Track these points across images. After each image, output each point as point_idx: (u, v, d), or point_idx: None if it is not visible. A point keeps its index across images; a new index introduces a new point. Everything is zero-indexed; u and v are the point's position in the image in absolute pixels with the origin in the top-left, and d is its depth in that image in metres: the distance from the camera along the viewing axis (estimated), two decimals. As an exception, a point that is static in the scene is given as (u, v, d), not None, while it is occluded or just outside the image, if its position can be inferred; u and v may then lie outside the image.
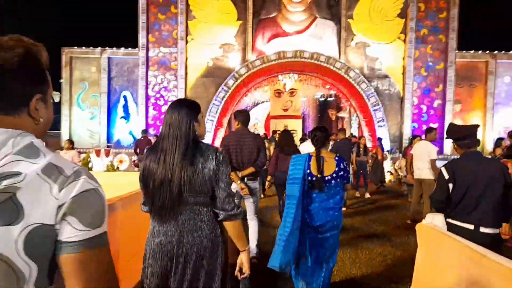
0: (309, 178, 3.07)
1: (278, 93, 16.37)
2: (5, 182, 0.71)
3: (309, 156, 3.16)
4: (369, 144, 12.95)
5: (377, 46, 13.00)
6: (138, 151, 10.59)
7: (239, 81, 12.75)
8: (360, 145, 8.97)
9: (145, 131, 11.10)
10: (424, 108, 13.02)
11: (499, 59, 12.76)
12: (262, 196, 8.66)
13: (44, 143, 0.86)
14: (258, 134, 4.68)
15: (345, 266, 4.24)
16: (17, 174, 0.73)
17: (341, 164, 3.09)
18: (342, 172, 3.08)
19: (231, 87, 12.78)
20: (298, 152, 6.35)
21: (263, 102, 23.11)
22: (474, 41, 14.60)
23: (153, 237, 1.76)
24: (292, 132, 15.49)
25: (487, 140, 12.64)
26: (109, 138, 13.34)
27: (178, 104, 1.81)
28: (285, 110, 16.35)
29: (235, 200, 1.93)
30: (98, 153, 12.62)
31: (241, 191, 3.90)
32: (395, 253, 4.75)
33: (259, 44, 13.00)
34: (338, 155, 3.23)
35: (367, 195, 8.80)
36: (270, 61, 12.68)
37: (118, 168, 12.40)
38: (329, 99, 23.90)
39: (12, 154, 0.74)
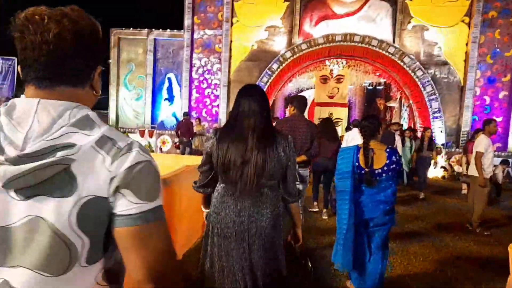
0: (358, 171, 2.94)
1: (324, 79, 15.64)
2: (60, 154, 0.70)
3: (358, 148, 3.01)
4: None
5: (436, 30, 11.89)
6: (179, 133, 10.57)
7: (284, 65, 12.27)
8: (424, 138, 7.98)
9: (186, 114, 11.04)
10: (488, 99, 11.79)
11: None
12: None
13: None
14: (313, 122, 4.42)
15: (395, 271, 3.79)
16: (72, 145, 0.72)
17: (393, 157, 2.91)
18: (394, 165, 2.90)
19: (275, 71, 12.33)
20: (338, 139, 6.32)
21: (307, 89, 22.50)
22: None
23: (225, 216, 1.85)
24: (337, 120, 14.86)
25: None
26: (153, 119, 13.49)
27: (252, 90, 1.92)
28: (331, 97, 15.62)
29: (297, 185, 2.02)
30: (142, 133, 12.82)
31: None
32: (453, 261, 4.19)
33: (306, 27, 12.37)
34: (389, 146, 3.03)
35: (422, 195, 7.62)
36: (317, 45, 12.04)
37: (160, 149, 12.53)
38: (378, 87, 22.69)
39: (68, 125, 0.73)
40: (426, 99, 11.70)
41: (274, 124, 3.11)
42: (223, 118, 12.79)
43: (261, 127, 1.81)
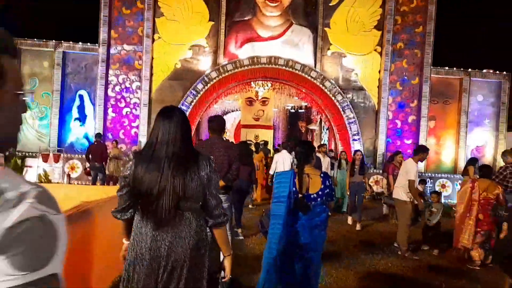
0: (295, 196, 2.96)
1: (250, 102, 15.66)
2: None
3: (294, 173, 3.03)
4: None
5: (353, 57, 12.61)
6: (90, 157, 9.40)
7: (209, 85, 11.87)
8: (355, 162, 7.39)
9: (99, 135, 9.92)
10: (399, 123, 12.71)
11: (473, 76, 12.72)
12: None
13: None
14: (232, 143, 4.20)
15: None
16: None
17: (327, 181, 3.01)
18: (328, 190, 2.99)
19: (200, 91, 11.86)
20: (253, 163, 6.80)
21: (233, 111, 22.41)
22: (449, 57, 14.63)
23: (142, 243, 1.78)
24: (263, 142, 14.79)
25: (460, 158, 12.47)
26: (60, 141, 11.94)
27: (171, 111, 1.88)
28: (257, 119, 15.65)
29: (222, 207, 1.97)
30: (46, 158, 11.22)
31: None
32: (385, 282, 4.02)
33: (231, 48, 12.22)
34: (323, 171, 3.17)
35: (358, 227, 7.08)
36: (243, 66, 11.91)
37: (68, 175, 11.05)
38: (299, 110, 23.54)
39: None
40: (346, 122, 12.20)
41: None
42: (143, 140, 11.82)
43: (181, 154, 1.79)
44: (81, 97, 12.10)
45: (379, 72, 12.60)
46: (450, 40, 16.78)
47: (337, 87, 12.23)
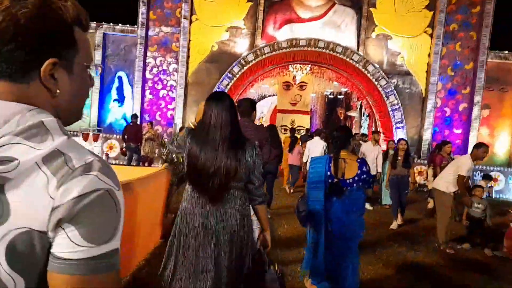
0: (330, 181, 2.97)
1: (287, 86, 15.17)
2: None
3: (329, 157, 3.04)
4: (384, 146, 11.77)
5: (400, 40, 11.76)
6: (126, 137, 9.47)
7: (245, 68, 11.56)
8: (398, 152, 6.39)
9: (135, 116, 9.94)
10: (448, 111, 11.79)
11: (535, 62, 11.48)
12: None
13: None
14: (262, 125, 4.04)
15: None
16: (10, 160, 0.56)
17: (364, 167, 2.96)
18: (364, 176, 2.95)
19: (236, 74, 11.60)
20: (281, 146, 6.53)
21: (269, 96, 22.05)
22: (509, 40, 13.26)
23: (194, 218, 1.96)
24: (299, 128, 14.36)
25: (516, 151, 11.41)
26: (100, 121, 12.22)
27: (223, 96, 2.08)
28: (293, 104, 15.16)
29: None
30: (86, 137, 11.50)
31: None
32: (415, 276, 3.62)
33: (270, 30, 11.78)
34: (361, 157, 3.24)
35: (400, 221, 6.21)
36: (281, 49, 11.47)
37: (106, 154, 11.30)
38: (339, 96, 22.75)
39: (12, 134, 0.57)
40: (389, 109, 11.48)
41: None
42: (178, 122, 11.81)
43: (232, 137, 1.95)
44: (120, 78, 12.24)
45: (429, 55, 11.68)
46: (509, 22, 15.24)
47: (381, 72, 11.49)
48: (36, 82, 0.63)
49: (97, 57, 11.97)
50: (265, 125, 20.36)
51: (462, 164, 5.03)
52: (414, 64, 11.77)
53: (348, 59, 11.41)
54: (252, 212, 2.88)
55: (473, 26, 11.49)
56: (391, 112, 11.48)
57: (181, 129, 11.00)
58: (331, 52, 11.41)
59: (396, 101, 11.49)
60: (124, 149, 9.70)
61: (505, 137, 11.90)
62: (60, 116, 0.66)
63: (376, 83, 11.45)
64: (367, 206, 7.27)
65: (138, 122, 10.21)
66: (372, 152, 7.36)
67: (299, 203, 3.14)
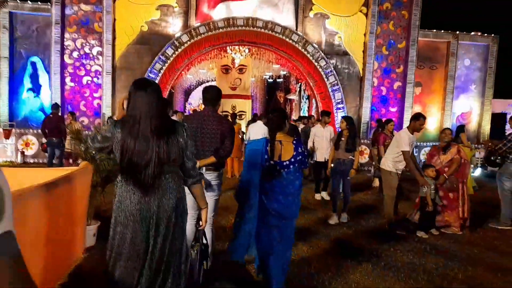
0: (267, 163, 2.97)
1: (226, 69, 14.52)
2: None
3: (266, 140, 3.04)
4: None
5: (337, 19, 11.65)
6: (46, 131, 8.22)
7: (180, 50, 10.68)
8: (342, 132, 5.55)
9: (57, 106, 8.66)
10: (384, 90, 12.04)
11: (461, 40, 12.10)
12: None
13: None
14: (226, 117, 3.95)
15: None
16: None
17: (299, 148, 3.00)
18: (300, 157, 2.99)
19: (170, 57, 10.67)
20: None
21: (208, 81, 21.18)
22: (438, 19, 13.88)
23: (131, 206, 1.99)
24: (241, 113, 13.86)
25: (445, 125, 12.02)
26: (12, 114, 10.60)
27: (148, 83, 2.06)
28: (233, 88, 14.57)
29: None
30: (7, 134, 9.91)
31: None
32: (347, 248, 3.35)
33: (204, 8, 10.98)
34: (296, 138, 3.19)
35: (344, 218, 5.48)
36: (217, 28, 10.75)
37: (22, 153, 9.83)
38: (278, 80, 22.64)
39: None
40: (330, 90, 11.40)
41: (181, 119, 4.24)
42: (107, 112, 10.65)
43: (161, 123, 2.00)
44: (33, 64, 10.67)
45: (365, 35, 11.74)
46: (438, 1, 16.01)
47: (320, 52, 11.33)
48: None
49: (3, 40, 10.29)
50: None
51: (401, 139, 4.95)
52: (351, 44, 11.77)
53: (287, 39, 11.05)
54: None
55: (405, 5, 11.74)
56: (331, 93, 11.42)
57: (109, 119, 9.96)
58: (270, 32, 10.95)
59: (335, 82, 11.44)
60: (45, 144, 8.42)
61: (435, 113, 12.51)
62: None
63: (316, 63, 11.27)
64: (324, 195, 6.98)
65: (60, 113, 8.92)
66: (324, 135, 6.96)
67: (238, 188, 3.17)
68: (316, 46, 11.32)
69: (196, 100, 24.15)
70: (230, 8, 10.92)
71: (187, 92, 23.22)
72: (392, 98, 12.07)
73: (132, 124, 1.97)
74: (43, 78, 10.74)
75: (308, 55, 11.21)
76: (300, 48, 11.16)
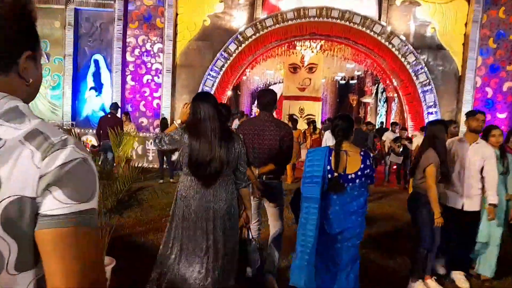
0: (330, 176, 2.67)
1: (294, 68, 13.20)
2: None
3: (329, 149, 2.74)
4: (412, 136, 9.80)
5: (430, 6, 9.68)
6: (102, 133, 7.58)
7: (244, 45, 9.60)
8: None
9: (116, 106, 7.99)
10: (490, 91, 9.73)
11: None
12: None
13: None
14: (284, 122, 3.65)
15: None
16: None
17: (367, 161, 2.68)
18: (368, 170, 2.66)
19: (233, 53, 9.65)
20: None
21: (275, 83, 20.11)
22: None
23: (191, 199, 2.30)
24: (309, 116, 12.40)
25: None
26: (75, 114, 10.41)
27: (207, 95, 2.51)
28: (302, 89, 13.20)
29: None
30: None
31: (256, 191, 3.06)
32: None
33: (272, -2, 9.78)
34: (364, 149, 2.79)
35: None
36: (286, 20, 9.47)
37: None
38: (351, 81, 20.75)
39: None
40: (420, 91, 9.46)
41: (237, 124, 5.11)
42: (166, 113, 9.96)
43: (220, 127, 2.31)
44: (96, 62, 10.38)
45: (465, 25, 9.60)
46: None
47: (409, 45, 9.45)
48: (13, 73, 0.73)
49: (68, 38, 10.11)
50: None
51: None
52: (447, 36, 9.70)
53: (368, 31, 9.38)
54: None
55: (522, -14, 9.36)
56: (421, 95, 9.46)
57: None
58: (347, 23, 9.38)
59: (427, 81, 9.46)
60: (95, 148, 7.83)
61: (559, 122, 9.83)
62: (27, 99, 0.76)
63: (402, 59, 9.43)
64: None
65: (119, 114, 8.32)
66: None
67: (293, 199, 2.89)
68: (404, 38, 9.47)
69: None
70: (301, -4, 9.58)
71: (254, 95, 22.33)
72: (501, 101, 9.71)
73: (194, 126, 2.31)
74: (105, 76, 10.40)
75: (393, 49, 9.41)
76: (383, 41, 9.41)
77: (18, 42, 0.71)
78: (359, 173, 2.63)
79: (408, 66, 9.41)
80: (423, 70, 9.43)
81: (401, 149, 8.06)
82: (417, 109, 9.59)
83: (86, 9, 10.19)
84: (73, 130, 9.30)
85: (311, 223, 2.60)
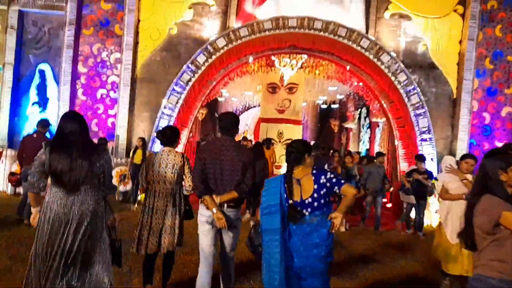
0: (287, 204, 2.55)
1: (273, 88, 12.01)
2: None
3: (284, 176, 2.66)
4: (404, 167, 8.66)
5: (422, 21, 8.79)
6: (24, 155, 5.98)
7: (214, 57, 8.36)
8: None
9: (45, 124, 6.30)
10: (488, 117, 8.76)
11: None
12: None
13: None
14: (245, 146, 3.67)
15: None
16: None
17: (321, 177, 2.51)
18: (324, 189, 2.48)
19: (201, 66, 8.38)
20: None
21: (254, 106, 19.03)
22: None
23: (57, 206, 2.45)
24: (289, 142, 11.14)
25: None
26: (13, 132, 8.79)
27: (72, 113, 2.75)
28: (281, 111, 11.97)
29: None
30: None
31: (217, 222, 2.89)
32: None
33: (247, 6, 8.67)
34: (315, 167, 2.68)
35: None
36: (262, 31, 8.32)
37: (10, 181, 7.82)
38: (332, 105, 19.86)
39: None
40: (412, 114, 8.37)
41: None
42: (122, 134, 8.49)
43: (82, 143, 2.53)
44: (42, 73, 8.91)
45: (460, 42, 8.72)
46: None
47: (399, 63, 8.45)
48: None
49: (10, 43, 8.66)
50: (250, 137, 17.18)
51: None
52: (440, 54, 8.78)
53: (354, 45, 8.33)
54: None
55: (519, 4, 8.61)
56: (414, 118, 8.38)
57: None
58: (331, 36, 8.31)
59: (420, 103, 8.41)
60: (17, 175, 6.20)
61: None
62: None
63: (393, 78, 8.38)
64: None
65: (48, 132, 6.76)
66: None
67: (251, 234, 2.78)
68: (394, 55, 8.47)
69: (241, 127, 21.91)
70: (280, 5, 8.51)
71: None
72: (499, 128, 8.73)
73: (57, 142, 2.54)
74: (51, 89, 8.91)
75: (383, 67, 8.37)
76: (371, 57, 8.36)
77: None
78: (315, 195, 2.49)
79: (399, 86, 8.36)
80: (415, 91, 8.39)
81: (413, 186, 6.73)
82: (409, 134, 8.47)
83: (32, 11, 8.82)
84: (4, 152, 7.71)
85: (274, 256, 2.45)
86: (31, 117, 8.88)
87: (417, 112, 8.37)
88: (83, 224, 2.44)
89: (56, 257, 2.38)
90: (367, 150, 14.99)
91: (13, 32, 8.65)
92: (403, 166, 8.59)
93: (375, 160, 7.50)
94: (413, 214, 7.17)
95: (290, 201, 2.50)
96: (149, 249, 3.23)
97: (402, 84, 8.38)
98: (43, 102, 8.90)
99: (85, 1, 8.68)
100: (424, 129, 8.38)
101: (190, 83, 8.36)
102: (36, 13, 8.85)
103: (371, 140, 15.94)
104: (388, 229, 7.20)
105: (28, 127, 8.86)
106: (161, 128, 3.72)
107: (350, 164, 7.53)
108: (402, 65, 8.43)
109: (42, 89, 8.90)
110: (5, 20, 8.69)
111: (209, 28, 8.72)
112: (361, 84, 9.45)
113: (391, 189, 8.25)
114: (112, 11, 8.74)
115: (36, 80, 8.87)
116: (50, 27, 8.90)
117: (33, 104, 8.87)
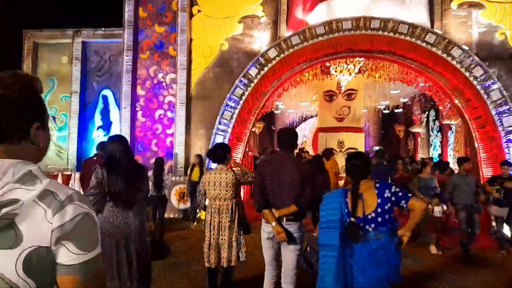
0: (348, 220, 2.43)
1: (330, 96, 11.46)
2: (5, 210, 0.78)
3: (345, 191, 2.56)
4: (488, 172, 7.59)
5: (496, 7, 7.76)
6: (85, 177, 6.16)
7: (266, 69, 8.12)
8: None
9: (103, 146, 6.54)
10: None
11: None
12: None
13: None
14: (303, 162, 3.72)
15: None
16: (16, 201, 0.80)
17: (386, 192, 2.38)
18: (389, 204, 2.36)
19: (253, 79, 8.19)
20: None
21: (312, 116, 18.51)
22: None
23: (109, 222, 2.76)
24: (351, 151, 10.46)
25: None
26: (81, 156, 9.28)
27: (118, 136, 3.02)
28: (340, 119, 11.34)
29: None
30: (67, 179, 8.56)
31: (277, 235, 2.93)
32: None
33: (298, 13, 8.35)
34: (379, 180, 2.53)
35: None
36: (315, 37, 7.92)
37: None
38: (396, 110, 18.62)
39: (12, 182, 0.81)
40: (494, 113, 7.33)
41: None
42: (180, 152, 8.55)
43: (130, 167, 2.85)
44: (105, 98, 9.37)
45: (548, 26, 7.53)
46: None
47: (474, 56, 7.49)
48: (26, 141, 0.89)
49: (75, 73, 9.23)
50: (308, 147, 16.64)
51: None
52: (523, 42, 7.65)
53: (418, 42, 7.56)
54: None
55: None
56: (496, 117, 7.32)
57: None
58: (391, 34, 7.64)
59: (502, 100, 7.34)
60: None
61: None
62: (39, 158, 0.93)
63: (467, 73, 7.44)
64: None
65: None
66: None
67: (306, 253, 2.85)
68: (466, 48, 7.54)
69: (299, 138, 21.44)
70: (332, 7, 8.06)
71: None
72: None
73: (111, 165, 2.83)
74: (114, 113, 9.32)
75: (454, 62, 7.47)
76: (439, 53, 7.52)
77: (28, 118, 0.89)
78: (379, 209, 2.36)
79: (475, 82, 7.38)
80: (495, 86, 7.35)
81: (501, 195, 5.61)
82: (491, 135, 7.41)
83: (94, 41, 9.35)
84: (73, 175, 8.10)
85: (329, 274, 2.36)
86: (97, 140, 9.31)
87: (500, 109, 7.30)
88: (129, 237, 2.77)
89: (111, 271, 2.71)
90: (439, 155, 13.67)
91: (77, 63, 9.24)
92: (486, 172, 7.52)
93: (459, 168, 6.29)
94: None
95: (352, 218, 2.39)
96: (210, 263, 3.50)
97: (478, 80, 7.40)
98: (106, 125, 9.32)
99: (140, 26, 9.01)
100: (510, 129, 7.27)
101: (244, 97, 8.19)
102: (97, 43, 9.38)
103: (443, 144, 14.55)
104: (479, 248, 6.07)
105: (94, 151, 9.30)
106: (210, 147, 4.02)
107: (428, 174, 6.04)
108: (477, 59, 7.46)
109: (105, 113, 9.34)
110: (71, 52, 9.31)
111: (260, 40, 8.54)
112: (428, 84, 8.56)
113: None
114: (166, 33, 8.95)
115: (100, 105, 9.34)
116: (110, 54, 9.36)
117: (98, 128, 9.33)
